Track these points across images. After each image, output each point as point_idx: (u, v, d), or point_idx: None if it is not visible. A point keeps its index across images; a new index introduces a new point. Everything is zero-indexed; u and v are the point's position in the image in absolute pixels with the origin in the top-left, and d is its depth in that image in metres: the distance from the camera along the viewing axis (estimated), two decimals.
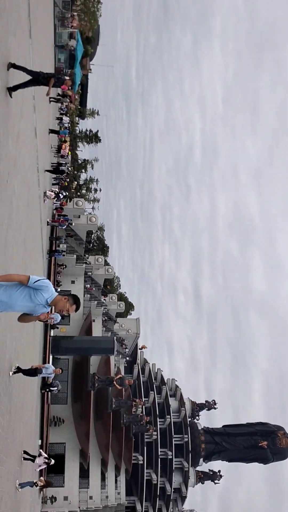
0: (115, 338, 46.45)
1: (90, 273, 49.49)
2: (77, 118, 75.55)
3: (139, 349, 61.54)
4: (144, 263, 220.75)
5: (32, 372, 14.30)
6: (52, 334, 33.55)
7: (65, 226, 36.48)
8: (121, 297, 77.03)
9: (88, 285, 48.85)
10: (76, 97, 67.32)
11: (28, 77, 10.75)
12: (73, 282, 46.24)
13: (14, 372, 11.46)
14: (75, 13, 51.32)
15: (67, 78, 14.89)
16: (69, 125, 46.79)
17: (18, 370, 12.00)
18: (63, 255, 39.43)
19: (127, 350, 59.42)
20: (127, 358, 60.12)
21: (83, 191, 79.54)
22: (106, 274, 53.48)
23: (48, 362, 27.70)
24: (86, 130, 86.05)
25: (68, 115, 46.86)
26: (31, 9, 13.87)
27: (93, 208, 77.53)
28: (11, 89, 9.25)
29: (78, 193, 70.70)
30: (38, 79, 11.11)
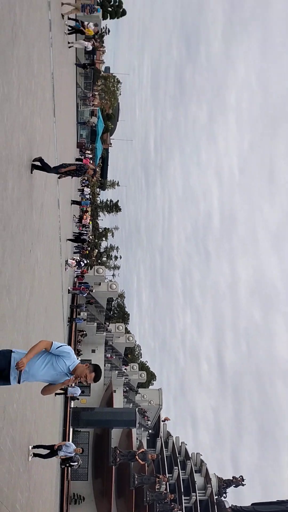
0: (137, 409, 45.06)
1: (111, 342, 48.95)
2: (98, 189, 77.93)
3: (162, 421, 59.42)
4: (165, 331, 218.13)
5: (53, 453, 13.84)
6: (72, 406, 32.76)
7: (86, 294, 36.62)
8: (143, 367, 75.56)
9: (109, 355, 48.18)
10: (97, 169, 69.75)
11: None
12: (93, 351, 45.70)
13: (34, 454, 11.12)
14: (96, 93, 54.32)
15: (90, 167, 15.41)
16: (90, 196, 48.20)
17: (37, 455, 11.68)
18: (84, 320, 39.34)
19: (149, 422, 57.42)
20: (150, 431, 57.96)
21: (104, 259, 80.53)
22: (127, 342, 52.83)
23: (69, 438, 26.87)
24: (107, 200, 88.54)
25: (89, 186, 48.40)
26: (55, 90, 14.73)
27: (113, 275, 78.20)
28: (34, 167, 9.49)
29: (99, 261, 71.54)
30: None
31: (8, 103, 6.64)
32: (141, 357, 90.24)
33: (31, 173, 9.23)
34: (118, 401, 46.28)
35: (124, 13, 70.26)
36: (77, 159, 38.90)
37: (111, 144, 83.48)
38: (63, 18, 17.53)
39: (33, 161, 9.34)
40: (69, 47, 21.87)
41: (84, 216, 35.96)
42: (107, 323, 51.17)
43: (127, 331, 58.18)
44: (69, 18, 19.27)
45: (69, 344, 29.55)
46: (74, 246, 31.84)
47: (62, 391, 22.26)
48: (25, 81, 8.22)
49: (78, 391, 23.97)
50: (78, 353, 38.67)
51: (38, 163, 9.65)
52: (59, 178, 12.53)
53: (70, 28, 20.34)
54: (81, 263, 29.27)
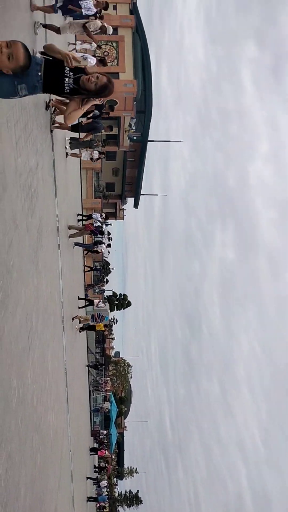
0: None
1: None
2: (115, 479, 72.33)
3: None
4: None
5: None
6: None
7: None
8: None
9: None
10: (113, 457, 66.09)
11: None
12: None
13: None
14: (108, 378, 55.65)
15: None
16: (108, 489, 44.37)
17: None
18: None
19: None
20: None
21: None
22: None
23: None
24: (126, 491, 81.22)
25: (106, 477, 45.02)
26: (68, 382, 15.11)
27: None
28: None
29: None
30: None
31: (22, 405, 6.69)
32: None
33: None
34: None
35: (129, 304, 77.62)
36: (91, 449, 37.20)
37: (125, 427, 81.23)
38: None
39: None
40: (79, 331, 23.08)
41: None
42: None
43: None
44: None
45: None
46: None
47: None
48: (40, 380, 8.47)
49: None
50: None
51: None
52: None
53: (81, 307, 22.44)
54: None
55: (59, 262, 12.56)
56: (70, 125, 11.57)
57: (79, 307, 22.19)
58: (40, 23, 9.58)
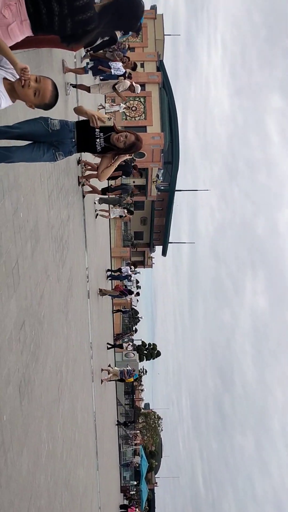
0: None
1: None
2: None
3: None
4: None
5: None
6: None
7: None
8: None
9: None
10: None
11: None
12: None
13: None
14: (137, 431, 54.21)
15: None
16: None
17: None
18: None
19: None
20: None
21: None
22: None
23: None
24: None
25: None
26: (98, 435, 14.79)
27: None
28: None
29: None
30: None
31: (52, 459, 6.57)
32: None
33: None
34: None
35: (158, 354, 76.44)
36: (121, 506, 35.81)
37: (156, 483, 78.15)
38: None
39: None
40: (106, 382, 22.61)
41: None
42: None
43: None
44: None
45: None
46: None
47: None
48: (69, 433, 8.33)
49: None
50: None
51: None
52: None
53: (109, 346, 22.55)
54: None
55: (88, 312, 12.61)
56: (100, 189, 12.01)
57: (108, 348, 22.26)
58: (71, 84, 10.07)
